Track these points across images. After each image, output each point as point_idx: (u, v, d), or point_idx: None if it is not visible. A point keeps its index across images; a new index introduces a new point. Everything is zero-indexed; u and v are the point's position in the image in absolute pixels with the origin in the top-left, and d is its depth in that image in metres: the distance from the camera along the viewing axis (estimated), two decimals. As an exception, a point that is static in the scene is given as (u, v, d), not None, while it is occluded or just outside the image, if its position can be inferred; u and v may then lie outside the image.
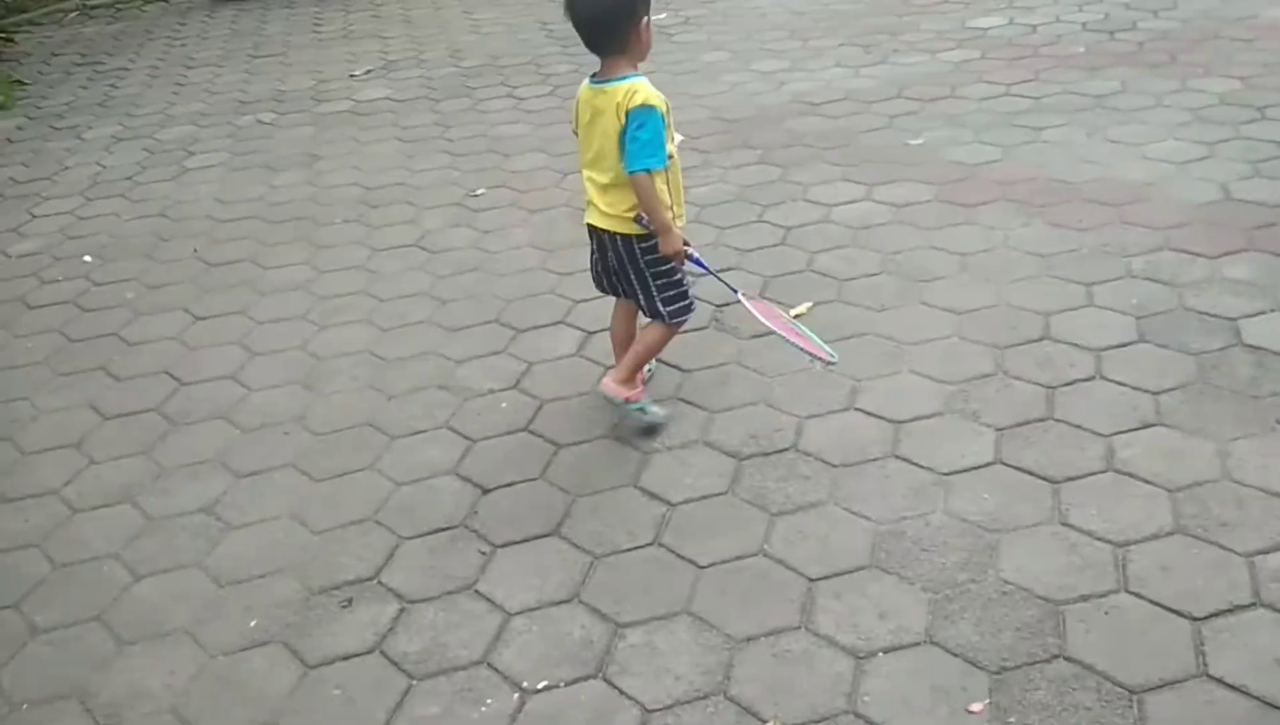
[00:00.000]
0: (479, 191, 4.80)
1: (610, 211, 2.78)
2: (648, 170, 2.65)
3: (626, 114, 2.64)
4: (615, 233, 2.81)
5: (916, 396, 2.98)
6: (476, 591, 2.49)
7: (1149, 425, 2.73)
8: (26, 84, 7.46)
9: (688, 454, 2.87)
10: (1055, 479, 2.59)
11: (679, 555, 2.51)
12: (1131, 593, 2.24)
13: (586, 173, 2.84)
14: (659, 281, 2.85)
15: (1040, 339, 3.15)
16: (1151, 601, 2.21)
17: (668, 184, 2.76)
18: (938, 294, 3.47)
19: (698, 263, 2.89)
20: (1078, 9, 6.18)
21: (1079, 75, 5.18)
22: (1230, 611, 2.16)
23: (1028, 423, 2.80)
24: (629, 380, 2.93)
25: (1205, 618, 2.15)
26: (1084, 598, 2.24)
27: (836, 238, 3.95)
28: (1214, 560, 2.29)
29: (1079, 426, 2.76)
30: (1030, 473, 2.63)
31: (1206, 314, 3.15)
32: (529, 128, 5.54)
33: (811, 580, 2.39)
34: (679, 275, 2.89)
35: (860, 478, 2.70)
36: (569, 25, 2.75)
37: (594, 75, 2.79)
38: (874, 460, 2.76)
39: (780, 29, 6.67)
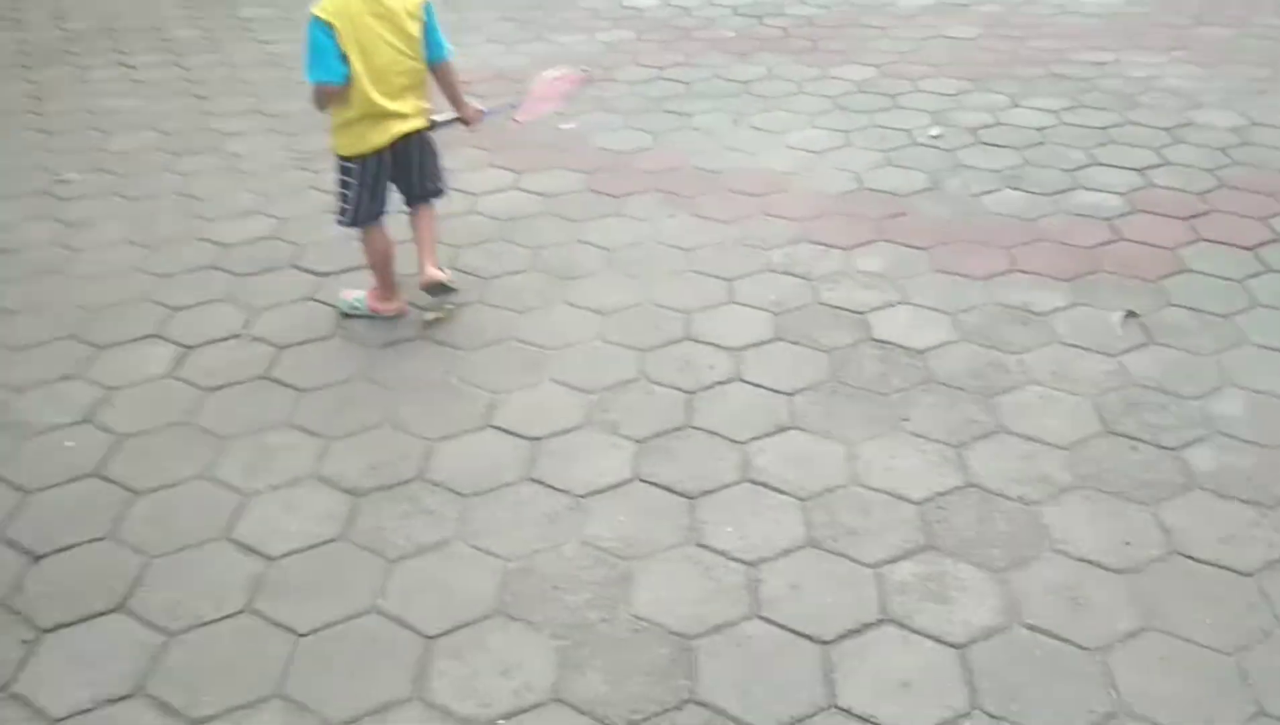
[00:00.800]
0: (69, 176, 4.11)
1: (419, 109, 3.01)
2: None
3: (422, 7, 2.92)
4: (420, 129, 3.03)
5: (556, 409, 2.76)
6: (14, 694, 2.00)
7: (784, 429, 2.67)
8: None
9: (296, 493, 2.49)
10: (692, 494, 2.46)
11: (274, 622, 2.14)
12: (763, 618, 2.13)
13: (381, 89, 2.87)
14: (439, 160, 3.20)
15: (681, 339, 3.03)
16: (782, 626, 2.11)
17: None
18: (583, 292, 3.28)
19: (490, 113, 3.26)
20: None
21: (729, 59, 5.19)
22: (858, 631, 2.09)
23: (667, 432, 2.66)
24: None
25: (834, 640, 2.08)
26: (716, 628, 2.11)
27: (484, 231, 3.67)
28: (843, 575, 2.23)
29: (715, 433, 2.65)
30: (668, 489, 2.48)
31: (839, 308, 3.15)
32: (140, 101, 4.84)
33: (429, 638, 2.10)
34: None
35: (492, 506, 2.44)
36: None
37: None
38: (508, 485, 2.51)
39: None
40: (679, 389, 2.82)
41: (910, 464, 2.54)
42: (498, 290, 3.30)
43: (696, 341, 3.02)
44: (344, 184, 2.99)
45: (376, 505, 2.45)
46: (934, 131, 4.30)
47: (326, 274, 3.38)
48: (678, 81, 4.91)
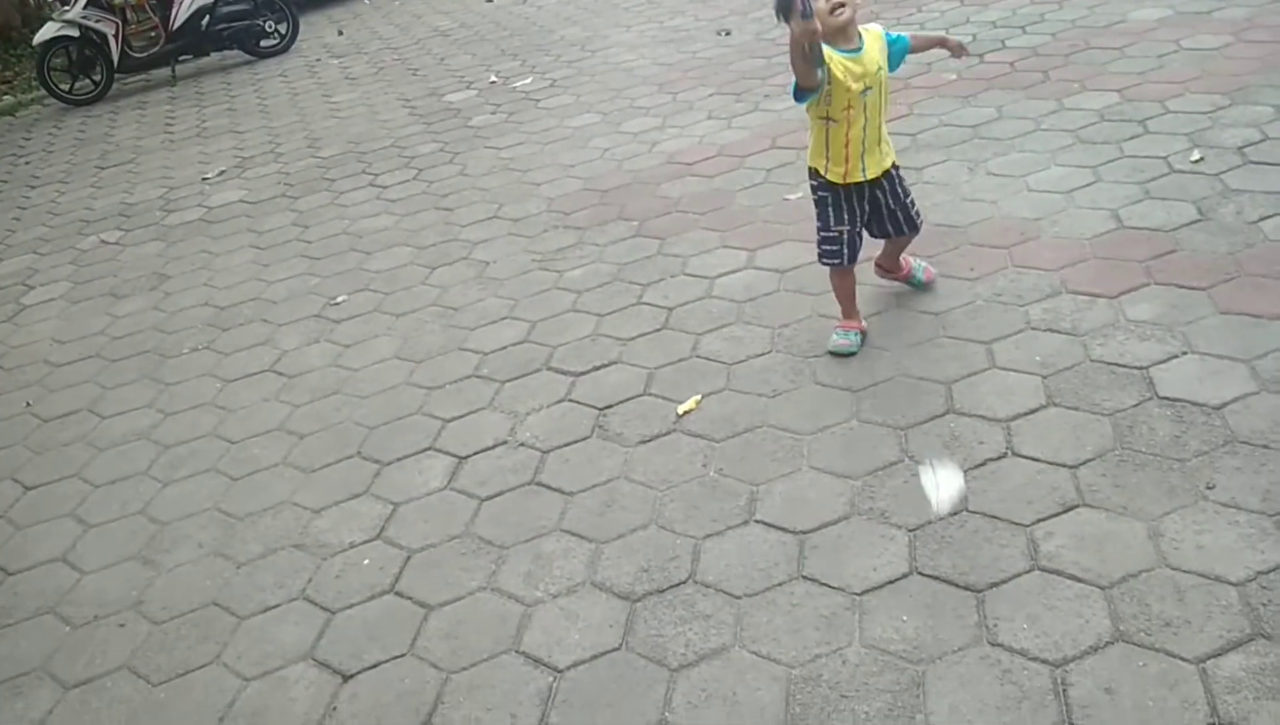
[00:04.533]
0: (339, 299, 4.45)
1: (888, 149, 3.18)
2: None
3: (884, 37, 3.08)
4: (892, 166, 3.20)
5: (819, 498, 2.69)
6: (337, 814, 2.13)
7: (1071, 507, 2.48)
8: None
9: (574, 601, 2.54)
10: (978, 587, 2.32)
11: (569, 739, 2.18)
12: (1078, 726, 1.97)
13: (862, 137, 3.05)
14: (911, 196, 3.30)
15: (945, 413, 2.89)
16: (1102, 736, 1.94)
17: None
18: (831, 370, 3.20)
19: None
20: (944, 31, 6.04)
21: (954, 104, 5.02)
22: (1189, 739, 1.90)
23: (940, 518, 2.53)
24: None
25: (1163, 750, 1.89)
26: (1026, 740, 1.97)
27: (722, 315, 3.68)
28: (1163, 673, 2.03)
29: (995, 517, 2.50)
30: (950, 582, 2.35)
31: (1115, 365, 2.93)
32: (391, 220, 5.20)
33: (721, 752, 2.08)
34: None
35: (768, 608, 2.39)
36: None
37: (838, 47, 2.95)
38: (780, 585, 2.46)
39: (649, 83, 6.45)
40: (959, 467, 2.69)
41: (1223, 539, 2.30)
42: (742, 375, 3.29)
43: (961, 414, 2.88)
44: None
45: (652, 611, 2.46)
46: (1195, 156, 3.97)
47: (578, 373, 3.48)
48: (903, 135, 4.78)
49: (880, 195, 3.20)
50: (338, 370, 3.88)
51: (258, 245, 5.25)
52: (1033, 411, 2.82)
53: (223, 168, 6.61)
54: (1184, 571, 2.24)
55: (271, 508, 3.15)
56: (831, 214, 3.18)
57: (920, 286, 3.50)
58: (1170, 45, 5.16)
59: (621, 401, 3.28)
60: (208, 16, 9.18)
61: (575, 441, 3.14)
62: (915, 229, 3.31)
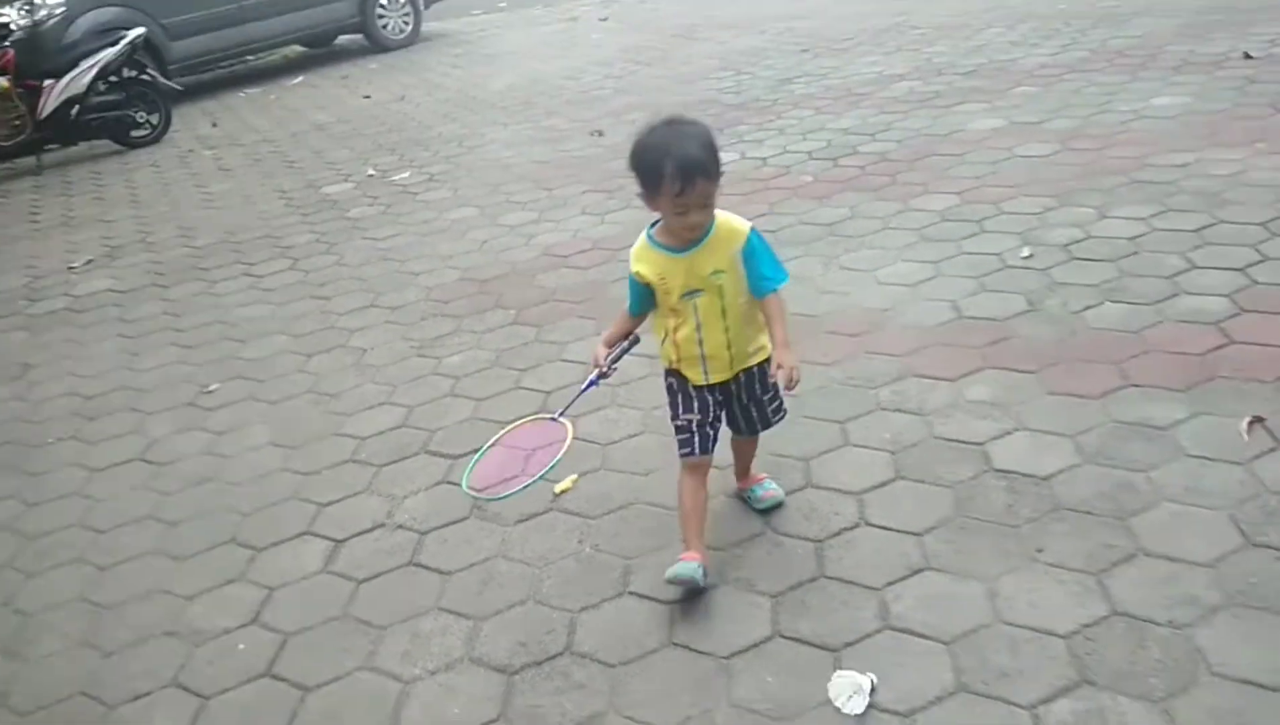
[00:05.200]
0: (212, 387, 4.43)
1: (744, 349, 2.76)
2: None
3: (746, 240, 2.66)
4: (749, 367, 2.79)
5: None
6: None
7: (918, 570, 2.69)
8: None
9: (452, 677, 2.60)
10: (834, 647, 2.48)
11: (447, 810, 2.22)
12: (925, 771, 2.13)
13: (695, 340, 2.71)
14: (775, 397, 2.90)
15: (804, 487, 3.09)
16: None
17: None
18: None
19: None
20: (802, 138, 6.50)
21: (810, 204, 5.38)
22: (1022, 777, 2.08)
23: (801, 584, 2.70)
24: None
25: (999, 788, 2.06)
26: (879, 786, 2.11)
27: (597, 398, 3.83)
28: (1000, 719, 2.22)
29: (850, 582, 2.68)
30: (809, 643, 2.51)
31: (956, 441, 3.19)
32: (267, 308, 5.22)
33: (596, 814, 2.16)
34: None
35: (641, 675, 2.50)
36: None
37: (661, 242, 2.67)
38: (653, 652, 2.57)
39: (525, 179, 6.68)
40: (806, 538, 2.87)
41: (1052, 597, 2.53)
42: (619, 455, 3.43)
43: (818, 487, 3.08)
44: None
45: (530, 682, 2.54)
46: (1025, 253, 4.36)
47: (457, 456, 3.56)
48: (765, 232, 5.08)
49: (735, 388, 2.82)
50: (210, 457, 3.86)
51: (126, 333, 5.18)
52: (883, 484, 3.05)
53: (90, 256, 6.50)
54: (1018, 626, 2.46)
55: (141, 595, 3.11)
56: (680, 402, 2.79)
57: (753, 504, 3.02)
58: (1004, 152, 5.66)
59: (498, 481, 3.37)
60: (77, 106, 9.05)
61: (453, 522, 3.21)
62: (768, 427, 2.94)
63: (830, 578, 2.71)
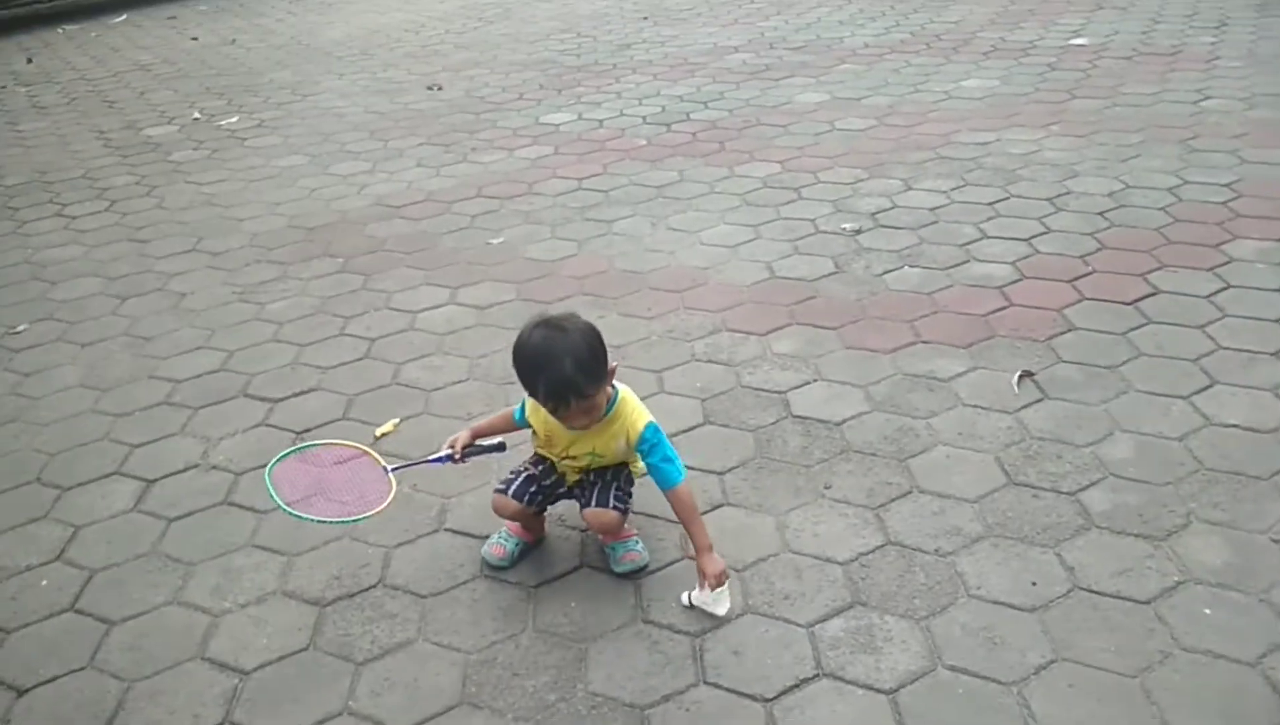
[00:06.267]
0: (19, 328, 4.25)
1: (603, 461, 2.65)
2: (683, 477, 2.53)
3: (641, 437, 2.52)
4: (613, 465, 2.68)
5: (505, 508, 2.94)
6: (6, 825, 2.11)
7: (718, 506, 2.88)
8: None
9: (264, 610, 2.63)
10: (636, 577, 2.65)
11: (255, 732, 2.28)
12: (710, 683, 2.31)
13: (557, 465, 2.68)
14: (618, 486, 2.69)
15: (618, 432, 3.24)
16: (727, 689, 2.29)
17: None
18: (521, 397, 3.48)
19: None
20: (638, 102, 6.64)
21: (643, 166, 5.53)
22: (797, 687, 2.28)
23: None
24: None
25: (775, 697, 2.26)
26: (665, 698, 2.28)
27: (423, 346, 3.88)
28: (781, 637, 2.43)
29: (655, 515, 2.85)
30: (610, 573, 2.66)
31: (760, 390, 3.41)
32: (80, 250, 5.01)
33: (401, 732, 2.25)
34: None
35: (451, 605, 2.61)
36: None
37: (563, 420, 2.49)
38: (463, 584, 2.68)
39: (360, 130, 6.58)
40: (618, 478, 3.02)
41: (835, 528, 2.76)
42: (442, 401, 3.50)
43: (631, 433, 3.23)
44: None
45: (342, 614, 2.60)
46: (847, 226, 4.61)
47: (277, 400, 3.55)
48: (597, 191, 5.22)
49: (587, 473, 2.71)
50: (16, 398, 3.72)
51: (-78, 272, 4.89)
52: (692, 428, 3.23)
53: (-119, 190, 6.07)
54: (802, 555, 2.68)
55: (-65, 536, 3.00)
56: (532, 458, 2.75)
57: (612, 561, 2.70)
58: (826, 125, 5.95)
59: (320, 425, 3.40)
60: None
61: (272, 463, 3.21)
62: (605, 508, 2.62)
63: (637, 512, 2.87)
